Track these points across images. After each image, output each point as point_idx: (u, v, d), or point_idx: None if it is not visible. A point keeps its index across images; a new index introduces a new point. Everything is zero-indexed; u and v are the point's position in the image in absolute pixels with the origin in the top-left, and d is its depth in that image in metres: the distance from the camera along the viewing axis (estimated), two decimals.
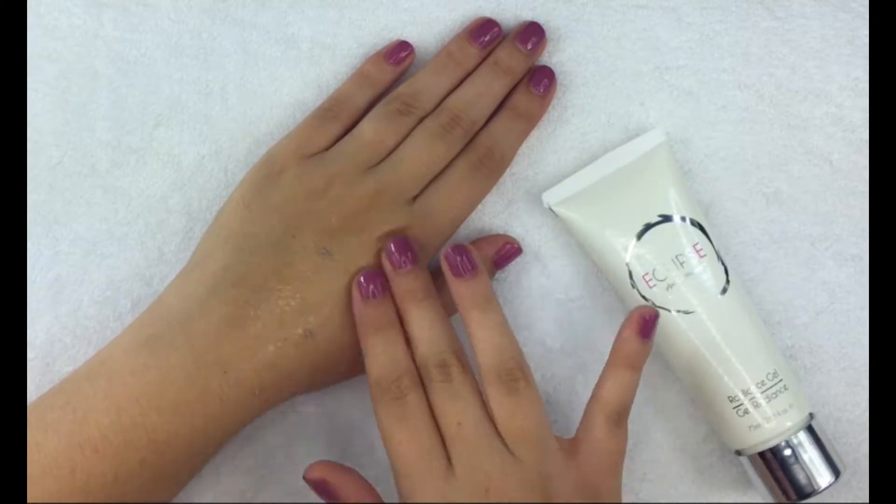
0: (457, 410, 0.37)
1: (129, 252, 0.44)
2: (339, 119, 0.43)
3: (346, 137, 0.42)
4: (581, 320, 0.44)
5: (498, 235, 0.44)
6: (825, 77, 0.45)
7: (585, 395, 0.43)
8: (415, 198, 0.41)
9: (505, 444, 0.37)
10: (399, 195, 0.41)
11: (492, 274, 0.43)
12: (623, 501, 0.42)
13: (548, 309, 0.44)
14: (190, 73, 0.45)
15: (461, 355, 0.38)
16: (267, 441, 0.43)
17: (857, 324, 0.44)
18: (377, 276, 0.39)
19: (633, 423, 0.43)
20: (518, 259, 0.44)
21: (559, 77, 0.44)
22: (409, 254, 0.39)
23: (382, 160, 0.41)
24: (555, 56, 0.45)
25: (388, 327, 0.39)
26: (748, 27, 0.45)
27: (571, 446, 0.38)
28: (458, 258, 0.38)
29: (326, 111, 0.43)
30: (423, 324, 0.38)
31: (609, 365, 0.39)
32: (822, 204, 0.44)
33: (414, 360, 0.38)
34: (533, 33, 0.44)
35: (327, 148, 0.42)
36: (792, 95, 0.45)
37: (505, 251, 0.43)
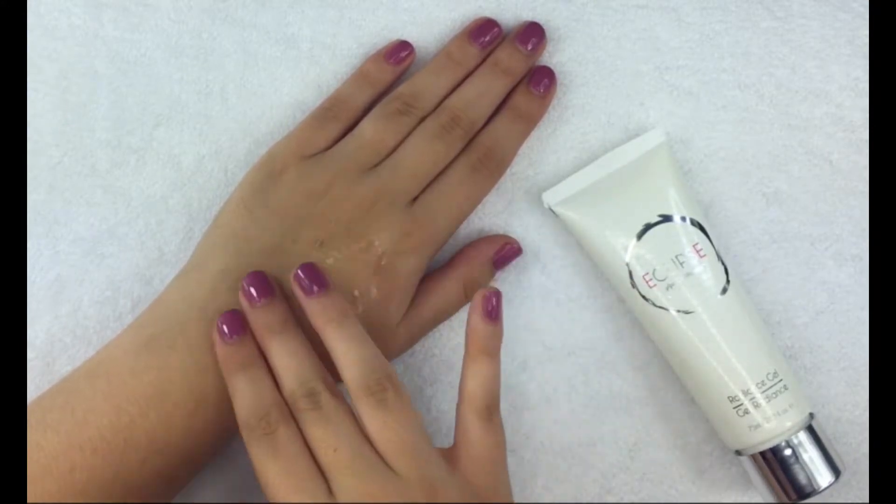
0: (329, 436, 0.35)
1: (129, 252, 0.44)
2: (339, 119, 0.43)
3: (346, 137, 0.42)
4: (581, 320, 0.44)
5: (498, 235, 0.44)
6: (825, 77, 0.45)
7: (586, 395, 0.43)
8: (415, 198, 0.41)
9: (383, 461, 0.35)
10: (399, 196, 0.41)
11: (492, 274, 0.43)
12: (621, 502, 0.42)
13: (548, 309, 0.44)
14: (190, 73, 0.45)
15: (328, 381, 0.37)
16: None
17: (857, 324, 0.44)
18: (235, 317, 0.38)
19: (634, 423, 0.43)
20: (518, 259, 0.44)
21: (559, 77, 0.44)
22: (262, 287, 0.38)
23: (382, 160, 0.41)
24: (555, 56, 0.45)
25: (250, 365, 0.37)
26: (748, 27, 0.45)
27: (451, 452, 0.37)
28: (307, 277, 0.38)
29: (326, 111, 0.43)
30: (285, 355, 0.37)
31: (466, 357, 0.38)
32: (822, 204, 0.44)
33: (282, 394, 0.37)
34: (533, 34, 0.44)
35: (327, 148, 0.42)
36: (792, 95, 0.45)
37: (505, 251, 0.43)
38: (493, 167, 0.43)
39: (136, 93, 0.45)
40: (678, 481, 0.43)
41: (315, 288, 0.37)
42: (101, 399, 0.37)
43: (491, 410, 0.37)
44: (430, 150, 0.41)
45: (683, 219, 0.41)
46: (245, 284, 0.38)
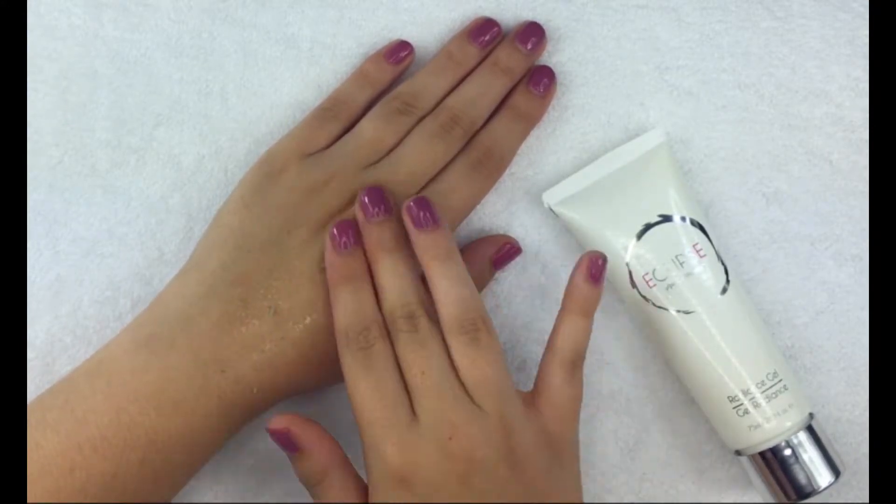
0: (421, 360, 0.37)
1: (129, 252, 0.44)
2: (338, 118, 0.43)
3: (346, 136, 0.42)
4: None
5: (498, 235, 0.44)
6: (825, 77, 0.45)
7: (586, 396, 0.43)
8: None
9: (467, 394, 0.36)
10: (398, 195, 0.41)
11: (491, 274, 0.43)
12: (621, 502, 0.42)
13: (548, 309, 0.44)
14: (190, 73, 0.45)
15: (428, 307, 0.38)
16: (267, 441, 0.43)
17: (857, 324, 0.44)
18: (350, 227, 0.39)
19: (634, 423, 0.43)
20: (518, 259, 0.44)
21: (559, 77, 0.44)
22: (382, 205, 0.39)
23: (381, 159, 0.41)
24: (555, 56, 0.45)
25: (357, 278, 0.38)
26: (748, 27, 0.45)
27: (531, 397, 0.38)
28: (420, 210, 0.38)
29: (326, 110, 0.43)
30: (393, 274, 0.38)
31: (562, 312, 0.39)
32: (822, 204, 0.44)
33: (381, 311, 0.38)
34: (533, 33, 0.44)
35: (327, 147, 0.42)
36: (792, 95, 0.45)
37: (505, 251, 0.43)
38: (492, 167, 0.43)
39: (136, 93, 0.45)
40: (678, 481, 0.43)
41: (426, 222, 0.38)
42: (101, 398, 0.37)
43: (575, 364, 0.38)
44: (430, 150, 0.41)
45: (683, 219, 0.41)
46: (363, 197, 0.39)
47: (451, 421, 0.36)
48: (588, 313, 0.38)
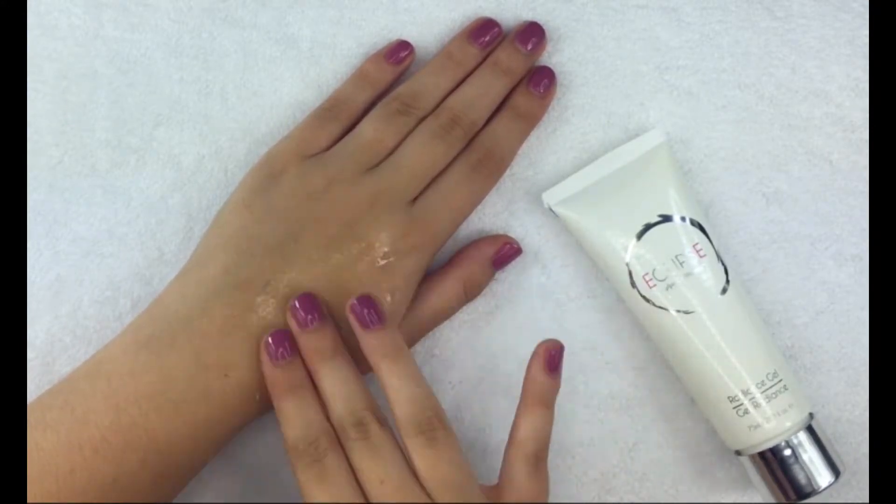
0: (378, 468, 0.36)
1: (129, 252, 0.44)
2: (338, 119, 0.43)
3: (346, 138, 0.42)
4: (581, 320, 0.44)
5: (498, 235, 0.44)
6: (825, 77, 0.45)
7: (586, 395, 0.43)
8: (415, 199, 0.41)
9: (430, 497, 0.35)
10: (399, 196, 0.41)
11: (492, 274, 0.43)
12: (621, 502, 0.42)
13: (548, 309, 0.44)
14: (190, 73, 0.45)
15: (377, 411, 0.37)
16: (267, 441, 0.43)
17: (857, 324, 0.44)
18: (285, 338, 0.38)
19: (634, 423, 0.43)
20: (518, 259, 0.44)
21: (559, 77, 0.44)
22: (314, 312, 0.38)
23: (382, 160, 0.41)
24: (555, 56, 0.45)
25: (299, 388, 0.38)
26: (748, 27, 0.45)
27: (495, 493, 0.37)
28: (364, 310, 0.38)
29: (326, 111, 0.43)
30: (336, 382, 0.38)
31: (521, 405, 0.38)
32: (822, 204, 0.44)
33: (330, 420, 0.37)
34: (533, 34, 0.44)
35: (327, 148, 0.42)
36: (792, 95, 0.45)
37: (505, 251, 0.43)
38: (493, 167, 0.43)
39: (136, 93, 0.45)
40: (678, 481, 0.43)
41: (372, 322, 0.38)
42: (102, 399, 0.37)
43: (539, 458, 0.38)
44: (430, 150, 0.41)
45: (683, 219, 0.41)
46: (295, 305, 0.38)
47: None
48: (548, 404, 0.38)
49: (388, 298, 0.40)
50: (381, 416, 0.37)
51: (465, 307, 0.43)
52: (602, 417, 0.43)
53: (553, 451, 0.43)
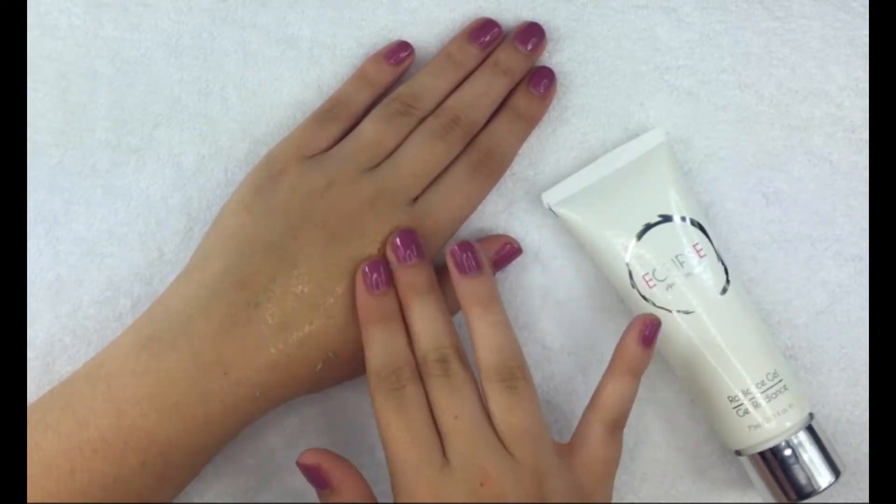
0: (454, 404, 0.37)
1: (129, 252, 0.44)
2: (339, 120, 0.43)
3: (347, 138, 0.42)
4: (581, 320, 0.44)
5: (498, 235, 0.44)
6: (825, 77, 0.45)
7: (586, 396, 0.43)
8: (415, 199, 0.41)
9: (501, 441, 0.36)
10: (399, 196, 0.41)
11: (492, 274, 0.43)
12: (621, 502, 0.42)
13: (548, 309, 0.44)
14: (190, 73, 0.45)
15: (461, 351, 0.38)
16: (267, 441, 0.43)
17: (857, 324, 0.44)
18: (381, 267, 0.39)
19: (634, 423, 0.43)
20: (518, 259, 0.44)
21: (559, 77, 0.44)
22: (413, 247, 0.39)
23: (383, 161, 0.41)
24: (555, 56, 0.45)
25: (389, 319, 0.39)
26: (748, 27, 0.45)
27: (567, 450, 0.38)
28: (464, 255, 0.39)
29: (326, 112, 0.43)
30: (425, 317, 0.39)
31: (609, 371, 0.39)
32: (822, 204, 0.44)
33: (413, 353, 0.38)
34: (533, 34, 0.44)
35: (328, 149, 0.42)
36: (792, 95, 0.45)
37: (505, 251, 0.43)
38: (493, 167, 0.43)
39: (136, 93, 0.45)
40: (678, 481, 0.43)
41: (470, 267, 0.38)
42: (102, 401, 0.37)
43: (617, 425, 0.38)
44: (431, 151, 0.41)
45: (683, 219, 0.41)
46: (395, 240, 0.39)
47: (482, 467, 0.36)
48: (636, 374, 0.39)
49: None
50: (464, 355, 0.38)
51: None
52: None
53: None
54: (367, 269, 0.39)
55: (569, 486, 0.37)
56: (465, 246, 0.39)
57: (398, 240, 0.39)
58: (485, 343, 0.38)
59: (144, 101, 0.45)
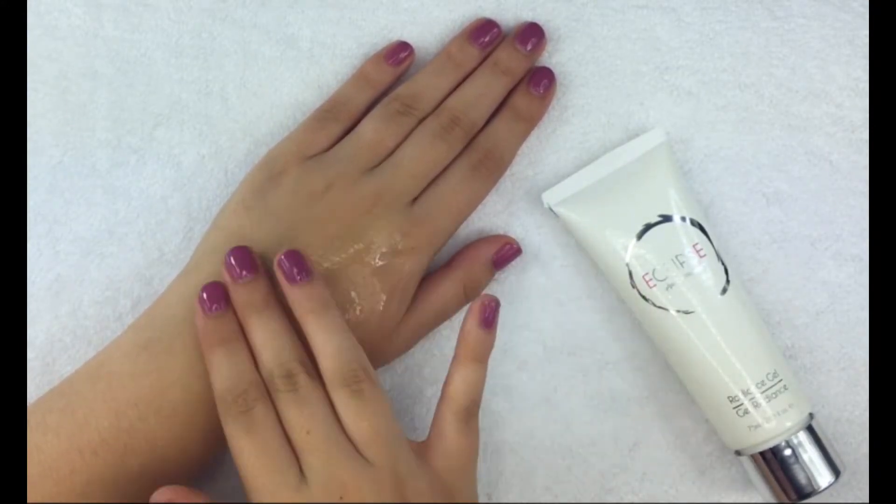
0: (305, 418, 0.36)
1: (129, 252, 0.44)
2: (338, 120, 0.43)
3: (346, 138, 0.42)
4: (581, 320, 0.44)
5: (498, 236, 0.44)
6: (825, 77, 0.45)
7: (586, 396, 0.43)
8: (415, 199, 0.41)
9: (356, 449, 0.35)
10: (399, 196, 0.41)
11: (492, 274, 0.43)
12: (621, 502, 0.42)
13: (548, 309, 0.44)
14: (190, 73, 0.45)
15: (306, 363, 0.37)
16: None
17: (857, 324, 0.44)
18: (218, 289, 0.38)
19: (634, 423, 0.43)
20: (518, 259, 0.44)
21: (559, 77, 0.44)
22: (247, 265, 0.38)
23: (382, 161, 0.41)
24: (555, 56, 0.45)
25: (230, 340, 0.37)
26: (748, 27, 0.45)
27: (424, 447, 0.37)
28: (292, 265, 0.38)
29: (326, 112, 0.43)
30: (266, 334, 0.37)
31: (455, 360, 0.38)
32: (822, 204, 0.44)
33: (259, 372, 0.37)
34: (533, 34, 0.44)
35: (327, 149, 0.42)
36: (792, 95, 0.45)
37: (504, 252, 0.43)
38: (492, 167, 0.43)
39: (136, 93, 0.45)
40: (678, 481, 0.43)
41: (298, 276, 0.38)
42: (102, 402, 0.37)
43: (470, 413, 0.37)
44: (431, 151, 0.41)
45: (683, 219, 0.41)
46: (228, 258, 0.38)
47: (340, 479, 0.35)
48: (482, 359, 0.38)
49: (387, 298, 0.40)
50: (310, 368, 0.37)
51: (465, 307, 0.43)
52: (602, 417, 0.43)
53: (553, 451, 0.43)
54: (203, 293, 0.38)
55: (430, 485, 0.36)
56: (292, 255, 0.38)
57: (231, 259, 0.38)
58: (323, 349, 0.37)
59: (144, 101, 0.45)
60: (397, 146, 0.42)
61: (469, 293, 0.43)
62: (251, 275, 0.38)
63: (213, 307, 0.37)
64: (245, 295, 0.38)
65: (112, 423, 0.36)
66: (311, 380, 0.36)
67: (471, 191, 0.42)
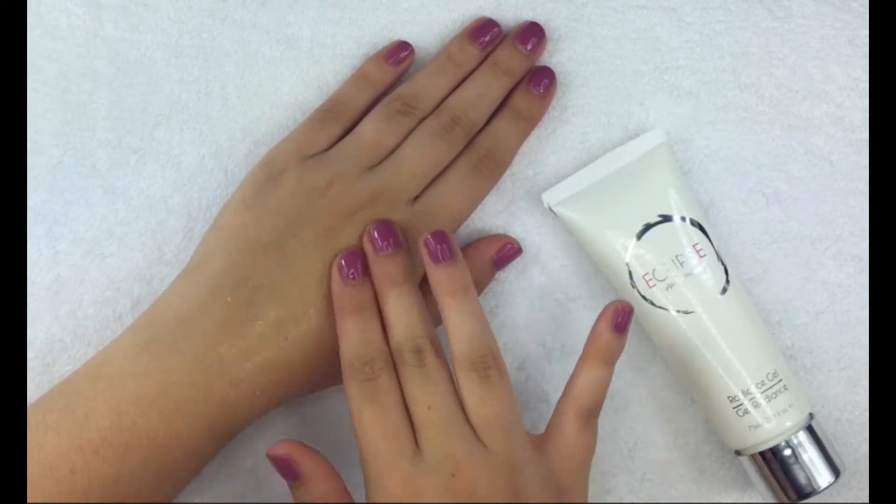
0: (428, 394, 0.36)
1: (129, 252, 0.44)
2: (339, 120, 0.43)
3: (347, 138, 0.42)
4: (581, 320, 0.44)
5: (498, 235, 0.44)
6: (825, 77, 0.45)
7: None
8: (415, 198, 0.41)
9: (474, 432, 0.36)
10: (399, 195, 0.41)
11: (492, 274, 0.43)
12: (621, 502, 0.42)
13: (548, 309, 0.44)
14: (190, 73, 0.45)
15: (436, 341, 0.38)
16: (267, 441, 0.43)
17: (857, 324, 0.44)
18: (357, 258, 0.39)
19: (634, 423, 0.43)
20: (518, 259, 0.44)
21: (559, 77, 0.44)
22: (391, 238, 0.39)
23: (382, 161, 0.41)
24: (555, 56, 0.45)
25: (364, 309, 0.38)
26: (748, 27, 0.45)
27: (541, 441, 0.38)
28: (438, 245, 0.38)
29: (326, 112, 0.43)
30: (400, 308, 0.38)
31: (582, 359, 0.38)
32: (822, 204, 0.44)
33: (388, 344, 0.38)
34: (533, 34, 0.44)
35: (327, 148, 0.42)
36: (792, 95, 0.45)
37: (505, 251, 0.43)
38: (493, 167, 0.43)
39: (136, 93, 0.45)
40: (678, 481, 0.43)
41: (444, 256, 0.38)
42: (102, 401, 0.37)
43: (592, 413, 0.38)
44: (431, 150, 0.41)
45: (683, 219, 0.41)
46: (372, 230, 0.39)
47: (455, 457, 0.35)
48: (610, 362, 0.38)
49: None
50: (438, 346, 0.38)
51: None
52: (602, 417, 0.43)
53: None
54: (342, 261, 0.38)
55: (542, 478, 0.36)
56: (439, 235, 0.38)
57: (375, 231, 0.39)
58: (458, 332, 0.37)
59: (144, 101, 0.45)
60: (397, 146, 0.42)
61: None
62: (394, 248, 0.39)
63: (352, 273, 0.38)
64: (385, 267, 0.39)
65: (113, 422, 0.36)
66: (439, 358, 0.37)
67: (471, 190, 0.42)
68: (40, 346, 0.43)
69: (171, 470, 0.37)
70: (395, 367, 0.37)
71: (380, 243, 0.39)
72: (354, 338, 0.38)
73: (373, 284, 0.39)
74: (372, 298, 0.39)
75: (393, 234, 0.39)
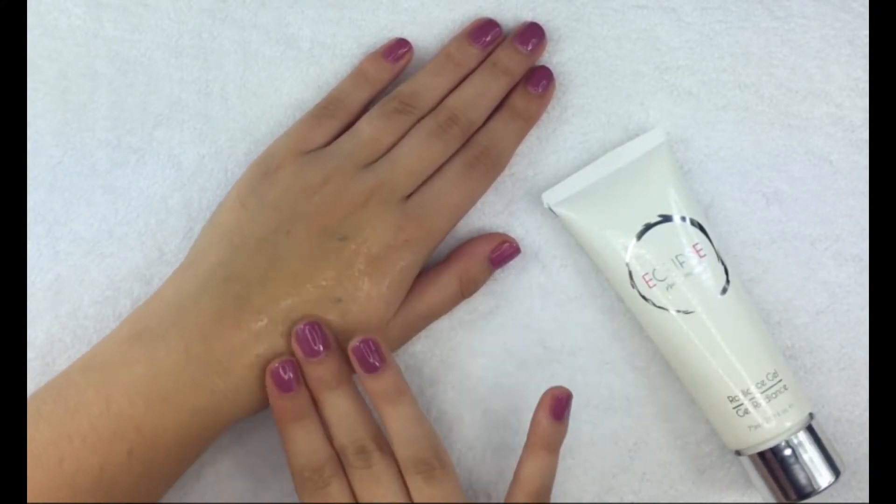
0: (378, 495, 0.38)
1: (129, 252, 0.44)
2: (336, 117, 0.43)
3: (344, 135, 0.42)
4: (581, 320, 0.44)
5: (496, 233, 0.44)
6: (825, 77, 0.45)
7: (585, 396, 0.43)
8: (410, 196, 0.41)
9: None
10: (394, 192, 0.41)
11: (489, 272, 0.43)
12: (621, 502, 0.42)
13: (548, 309, 0.44)
14: (190, 73, 0.45)
15: (380, 439, 0.39)
16: (267, 441, 0.43)
17: (857, 324, 0.44)
18: (291, 367, 0.38)
19: (634, 423, 0.43)
20: (518, 259, 0.44)
21: (559, 77, 0.44)
22: (319, 342, 0.38)
23: (379, 158, 0.41)
24: (555, 56, 0.45)
25: (304, 416, 0.39)
26: (748, 27, 0.45)
27: None
28: (366, 353, 0.38)
29: (324, 109, 0.43)
30: (339, 411, 0.39)
31: (526, 448, 0.39)
32: (822, 204, 0.44)
33: (333, 444, 0.39)
34: (533, 34, 0.44)
35: (325, 145, 0.42)
36: (792, 95, 0.45)
37: (503, 250, 0.43)
38: (489, 165, 0.43)
39: (136, 93, 0.45)
40: (678, 481, 0.43)
41: (373, 365, 0.38)
42: (93, 390, 0.37)
43: (540, 496, 0.39)
44: (428, 148, 0.41)
45: (683, 219, 0.41)
46: (302, 335, 0.39)
47: None
48: (553, 450, 0.39)
49: (380, 291, 0.40)
50: (383, 443, 0.38)
51: (465, 307, 0.44)
52: (602, 417, 0.43)
53: None
54: (278, 369, 0.38)
55: None
56: (367, 343, 0.38)
57: (304, 331, 0.38)
58: (398, 437, 0.38)
59: (144, 101, 0.45)
60: (395, 144, 0.42)
61: (465, 290, 0.43)
62: (325, 351, 0.39)
63: (287, 382, 0.38)
64: (317, 372, 0.39)
65: (101, 410, 0.37)
66: (384, 456, 0.38)
67: (466, 188, 0.42)
68: (40, 346, 0.43)
69: (158, 460, 0.37)
70: (343, 470, 0.38)
71: (309, 348, 0.38)
72: (299, 446, 0.39)
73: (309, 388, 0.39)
74: (310, 403, 0.39)
75: (321, 336, 0.39)
